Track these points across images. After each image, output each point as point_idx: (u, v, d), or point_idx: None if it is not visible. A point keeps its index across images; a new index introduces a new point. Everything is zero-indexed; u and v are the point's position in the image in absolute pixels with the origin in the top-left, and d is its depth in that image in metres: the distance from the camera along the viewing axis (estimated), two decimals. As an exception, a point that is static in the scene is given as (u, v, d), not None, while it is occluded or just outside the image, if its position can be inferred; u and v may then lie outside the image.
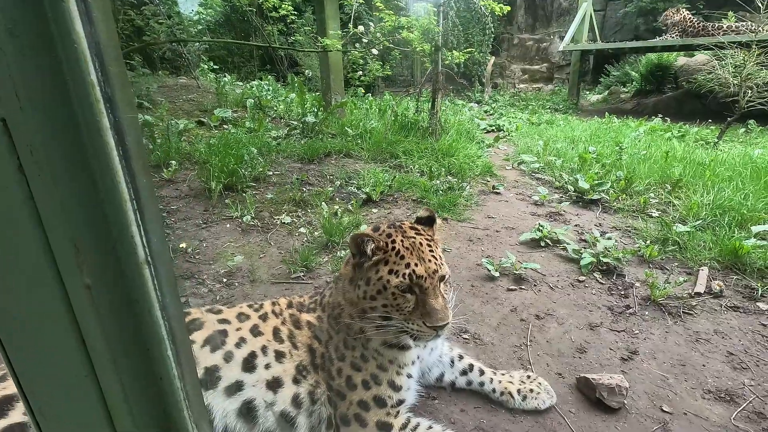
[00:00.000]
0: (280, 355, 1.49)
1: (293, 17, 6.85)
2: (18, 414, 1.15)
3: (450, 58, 5.82)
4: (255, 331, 1.54)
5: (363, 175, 4.25)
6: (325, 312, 1.59)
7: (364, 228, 3.11)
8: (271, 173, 4.15)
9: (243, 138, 4.66)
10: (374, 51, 6.34)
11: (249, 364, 1.44)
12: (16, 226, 0.52)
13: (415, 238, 1.41)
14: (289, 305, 1.69)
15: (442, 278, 1.39)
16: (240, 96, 7.06)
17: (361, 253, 1.41)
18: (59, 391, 0.62)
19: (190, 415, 0.69)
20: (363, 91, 9.69)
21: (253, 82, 8.69)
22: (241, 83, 8.86)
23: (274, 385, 1.43)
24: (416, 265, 1.34)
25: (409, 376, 1.50)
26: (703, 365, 1.92)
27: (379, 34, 6.03)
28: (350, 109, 6.69)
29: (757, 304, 2.37)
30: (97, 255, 0.54)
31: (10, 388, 1.20)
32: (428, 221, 1.51)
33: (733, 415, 1.64)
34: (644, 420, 1.63)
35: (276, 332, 1.56)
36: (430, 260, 1.36)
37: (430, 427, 1.40)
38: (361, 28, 6.09)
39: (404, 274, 1.33)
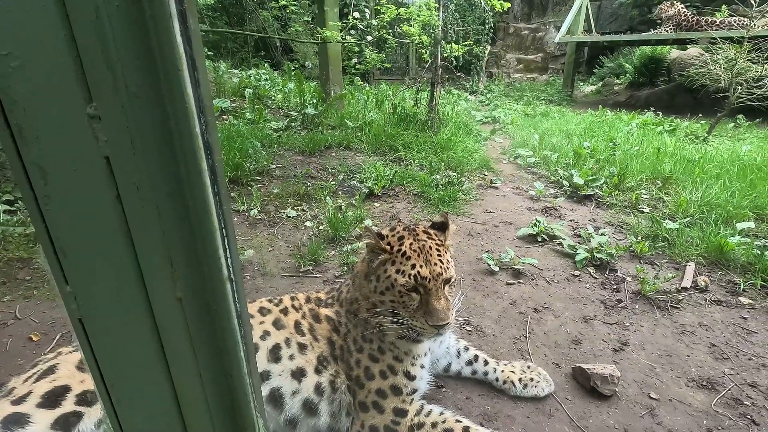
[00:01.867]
0: (302, 347, 1.61)
1: (293, 7, 6.80)
2: (69, 404, 1.25)
3: (449, 51, 5.87)
4: (278, 325, 1.65)
5: (364, 169, 4.34)
6: (342, 307, 1.71)
7: (369, 222, 3.22)
8: (274, 166, 4.22)
9: (245, 130, 4.71)
10: (368, 38, 6.35)
11: (274, 355, 1.55)
12: (110, 247, 0.62)
13: (426, 241, 1.52)
14: (308, 300, 1.81)
15: (447, 281, 1.50)
16: (237, 85, 7.04)
17: (372, 249, 1.53)
18: (136, 385, 0.74)
19: (255, 406, 0.81)
20: (360, 81, 9.70)
21: (251, 71, 8.63)
22: (236, 71, 8.80)
23: (298, 374, 1.55)
24: (422, 267, 1.45)
25: (422, 366, 1.63)
26: (688, 356, 2.08)
27: (375, 22, 6.03)
28: (348, 100, 6.73)
29: (739, 298, 2.54)
30: (189, 272, 0.65)
31: (60, 379, 1.30)
32: (441, 227, 1.62)
33: (714, 402, 1.81)
34: (634, 406, 1.79)
35: (297, 325, 1.67)
36: (436, 264, 1.47)
37: (442, 413, 1.54)
38: (356, 14, 6.09)
39: (410, 275, 1.44)
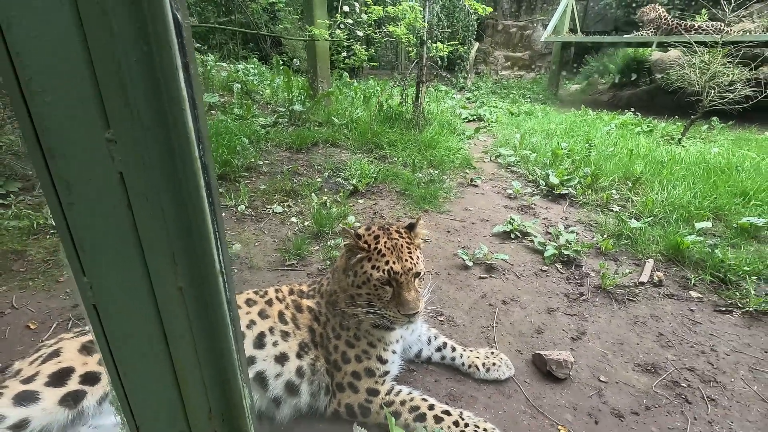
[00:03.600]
0: (285, 335, 1.77)
1: (281, 4, 6.84)
2: (74, 383, 1.39)
3: (434, 50, 6.01)
4: (263, 315, 1.81)
5: (350, 166, 4.48)
6: (323, 298, 1.87)
7: (352, 219, 3.38)
8: (261, 163, 4.34)
9: (233, 126, 4.80)
10: (359, 33, 6.45)
11: (260, 342, 1.71)
12: (121, 245, 0.78)
13: (398, 240, 1.69)
14: (291, 292, 1.97)
15: (416, 275, 1.68)
16: (225, 79, 7.09)
17: (351, 248, 1.70)
18: (141, 361, 0.90)
19: (243, 379, 0.98)
20: (348, 76, 9.78)
21: (239, 66, 8.66)
22: (224, 64, 8.81)
23: (281, 359, 1.71)
24: (394, 263, 1.63)
25: (394, 352, 1.80)
26: (637, 344, 2.30)
27: (365, 15, 6.11)
28: (336, 97, 6.84)
29: (690, 292, 2.77)
30: (188, 266, 0.81)
31: (65, 361, 1.44)
32: (411, 227, 1.80)
33: (655, 384, 2.02)
34: (584, 388, 1.99)
35: (281, 315, 1.83)
36: (407, 260, 1.65)
37: (410, 393, 1.72)
38: (346, 8, 6.18)
39: (384, 270, 1.62)
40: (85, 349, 1.53)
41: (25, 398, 1.30)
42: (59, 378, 1.39)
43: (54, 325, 2.17)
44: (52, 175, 0.73)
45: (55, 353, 1.48)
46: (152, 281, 0.85)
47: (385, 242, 1.67)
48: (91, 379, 1.43)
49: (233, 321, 0.96)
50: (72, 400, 1.36)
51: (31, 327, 2.15)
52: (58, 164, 0.72)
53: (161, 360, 0.93)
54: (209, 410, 1.01)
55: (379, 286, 1.64)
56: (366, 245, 1.67)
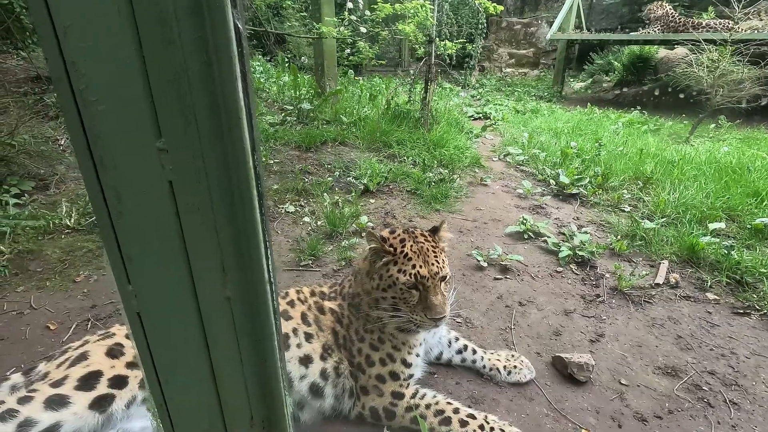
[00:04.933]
0: (308, 336, 1.77)
1: (289, 2, 6.82)
2: (103, 387, 1.39)
3: (443, 48, 5.98)
4: (285, 316, 1.81)
5: (360, 165, 4.47)
6: (345, 301, 1.87)
7: (365, 219, 3.38)
8: (272, 162, 4.33)
9: (242, 125, 4.78)
10: (362, 29, 6.41)
11: (284, 344, 1.70)
12: (167, 255, 0.77)
13: (423, 243, 1.69)
14: (312, 293, 1.96)
15: (443, 279, 1.67)
16: (232, 77, 7.05)
17: (376, 251, 1.69)
18: (182, 369, 0.89)
19: (284, 386, 0.98)
20: (353, 73, 9.74)
21: (244, 62, 8.62)
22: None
23: (306, 361, 1.70)
24: (421, 267, 1.62)
25: (417, 355, 1.80)
26: (656, 346, 2.30)
27: (368, 12, 6.08)
28: (342, 94, 6.82)
29: (706, 294, 2.76)
30: (238, 276, 0.80)
31: (93, 365, 1.44)
32: (435, 230, 1.79)
33: (676, 387, 2.02)
34: (606, 391, 1.99)
35: (304, 317, 1.83)
36: (433, 264, 1.64)
37: (434, 396, 1.71)
38: (350, 4, 6.15)
39: (411, 274, 1.61)
40: (112, 353, 1.52)
41: (56, 402, 1.30)
42: (88, 381, 1.39)
43: (73, 326, 2.17)
44: (102, 184, 0.72)
45: (83, 356, 1.48)
46: (197, 290, 0.84)
47: (411, 246, 1.66)
48: (119, 382, 1.43)
49: (278, 329, 0.95)
50: (101, 403, 1.36)
51: (51, 327, 2.16)
52: (109, 173, 0.71)
53: (202, 368, 0.92)
54: (251, 417, 1.01)
55: (406, 290, 1.63)
56: (392, 248, 1.66)
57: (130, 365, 1.50)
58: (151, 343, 0.88)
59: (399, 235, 1.73)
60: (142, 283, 0.81)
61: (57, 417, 1.27)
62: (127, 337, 1.60)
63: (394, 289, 1.64)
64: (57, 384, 1.37)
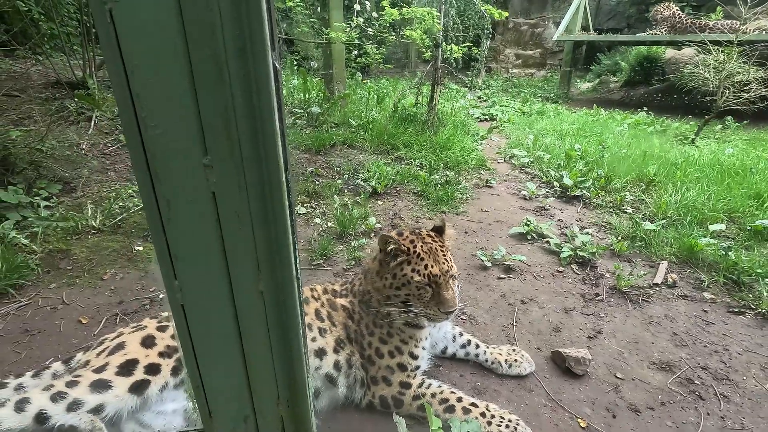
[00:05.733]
0: (322, 331, 1.91)
1: (299, 8, 6.98)
2: (140, 373, 1.54)
3: (449, 52, 6.10)
4: (300, 312, 1.95)
5: (368, 168, 4.61)
6: (356, 298, 2.00)
7: (373, 220, 3.51)
8: (283, 164, 4.48)
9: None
10: (369, 31, 6.53)
11: (300, 338, 1.84)
12: (209, 255, 0.92)
13: (432, 244, 1.82)
14: (325, 291, 2.10)
15: (452, 276, 1.80)
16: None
17: (387, 252, 1.82)
18: (218, 354, 1.03)
19: (307, 371, 1.12)
20: (360, 75, 9.89)
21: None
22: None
23: (320, 353, 1.84)
24: (433, 266, 1.75)
25: (423, 348, 1.93)
26: (652, 343, 2.40)
27: (375, 14, 6.20)
28: (351, 98, 6.96)
29: (703, 293, 2.86)
30: (270, 273, 0.94)
31: (130, 353, 1.59)
32: (439, 230, 1.92)
33: (669, 381, 2.13)
34: (601, 384, 2.11)
35: (317, 313, 1.97)
36: (443, 262, 1.77)
37: (440, 386, 1.84)
38: (357, 7, 6.28)
39: (424, 274, 1.74)
40: (145, 343, 1.67)
41: (100, 385, 1.46)
42: (126, 368, 1.54)
43: (103, 320, 2.33)
44: (156, 195, 0.87)
45: (120, 346, 1.63)
46: (233, 286, 0.99)
47: (422, 246, 1.79)
48: (153, 369, 1.58)
49: (302, 320, 1.10)
50: (139, 388, 1.51)
51: (83, 321, 2.32)
52: (163, 185, 0.86)
53: (236, 354, 1.08)
54: (278, 397, 1.16)
55: (422, 287, 1.76)
56: (406, 249, 1.80)
57: (162, 354, 1.65)
58: (192, 331, 1.03)
59: (408, 236, 1.86)
60: (186, 279, 0.96)
61: (101, 399, 1.43)
62: (158, 329, 1.75)
63: (408, 287, 1.77)
64: (99, 370, 1.52)
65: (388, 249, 1.79)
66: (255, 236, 0.92)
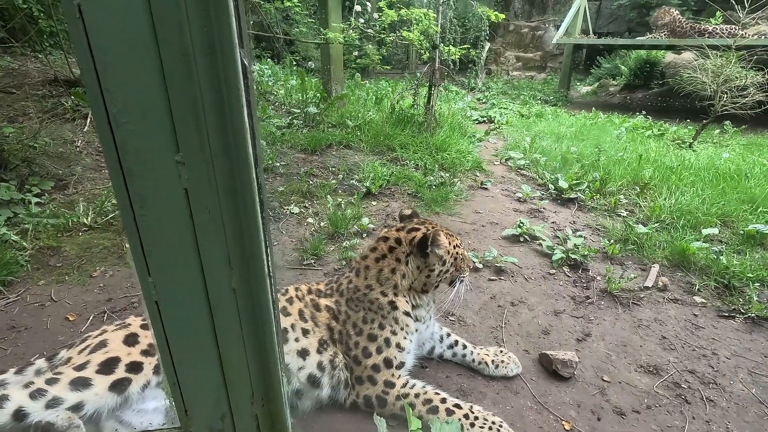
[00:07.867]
0: (305, 332, 1.90)
1: (297, 9, 6.99)
2: (121, 371, 1.54)
3: (447, 54, 6.10)
4: (284, 312, 1.95)
5: (363, 168, 4.61)
6: (342, 297, 2.00)
7: (366, 221, 3.51)
8: (278, 164, 4.49)
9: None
10: (369, 31, 6.54)
11: (283, 338, 1.84)
12: (182, 251, 0.92)
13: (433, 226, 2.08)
14: (309, 291, 2.10)
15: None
16: (241, 80, 7.23)
17: (423, 246, 1.93)
18: (193, 351, 1.03)
19: (281, 366, 1.11)
20: (360, 76, 9.89)
21: (254, 66, 8.83)
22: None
23: (303, 353, 1.84)
24: (456, 246, 2.06)
25: (411, 341, 1.94)
26: (641, 346, 2.40)
27: (376, 15, 6.21)
28: (348, 98, 6.96)
29: (694, 297, 2.85)
30: (241, 269, 0.94)
31: (111, 351, 1.59)
32: (411, 216, 2.20)
33: (656, 384, 2.12)
34: (588, 387, 2.10)
35: (301, 313, 1.96)
36: (452, 235, 2.07)
37: (424, 387, 1.84)
38: (358, 8, 6.28)
39: (454, 245, 2.06)
40: (128, 341, 1.67)
41: (80, 383, 1.45)
42: (108, 366, 1.54)
43: (91, 318, 2.33)
44: (129, 191, 0.87)
45: (102, 344, 1.63)
46: (207, 282, 0.99)
47: (435, 229, 2.01)
48: (135, 367, 1.57)
49: (276, 317, 1.10)
50: (119, 386, 1.50)
51: (70, 319, 2.32)
52: (136, 182, 0.86)
53: (211, 351, 1.07)
54: (252, 395, 1.16)
55: (458, 256, 2.06)
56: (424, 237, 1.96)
57: (145, 353, 1.64)
58: (167, 328, 1.03)
59: (415, 226, 2.05)
60: (160, 275, 0.96)
61: (81, 397, 1.42)
62: (141, 327, 1.75)
63: (453, 264, 2.05)
64: (80, 368, 1.52)
65: (420, 239, 1.95)
66: (225, 232, 0.92)
